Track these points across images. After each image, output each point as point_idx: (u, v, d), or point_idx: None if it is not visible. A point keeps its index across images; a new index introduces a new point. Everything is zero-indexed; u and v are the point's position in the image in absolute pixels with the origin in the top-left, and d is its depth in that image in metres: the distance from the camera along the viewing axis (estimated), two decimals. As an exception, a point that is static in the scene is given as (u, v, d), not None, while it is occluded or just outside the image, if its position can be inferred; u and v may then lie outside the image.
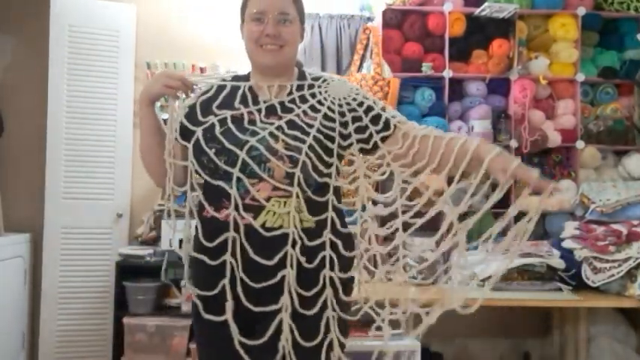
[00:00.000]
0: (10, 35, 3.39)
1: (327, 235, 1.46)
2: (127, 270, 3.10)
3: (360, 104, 1.55)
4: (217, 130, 1.47)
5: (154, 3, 3.53)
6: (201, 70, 3.47)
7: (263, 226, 1.43)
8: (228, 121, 1.49)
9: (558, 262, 2.65)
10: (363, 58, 3.10)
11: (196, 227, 1.49)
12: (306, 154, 1.45)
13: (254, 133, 1.47)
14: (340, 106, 1.53)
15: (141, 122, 1.59)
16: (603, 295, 2.61)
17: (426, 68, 3.04)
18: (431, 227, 2.99)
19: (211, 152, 1.46)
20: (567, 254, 2.71)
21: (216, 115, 1.50)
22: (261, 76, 1.57)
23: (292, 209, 1.43)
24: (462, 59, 3.12)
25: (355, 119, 1.53)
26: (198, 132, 1.49)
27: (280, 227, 1.43)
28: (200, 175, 1.50)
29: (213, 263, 1.44)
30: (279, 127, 1.48)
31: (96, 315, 3.28)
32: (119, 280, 3.08)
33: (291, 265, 1.41)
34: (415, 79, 3.05)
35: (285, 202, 1.44)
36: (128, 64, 3.42)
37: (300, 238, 1.43)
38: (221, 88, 1.56)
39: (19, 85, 3.41)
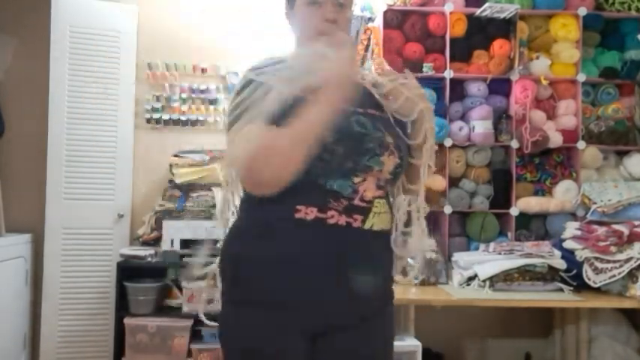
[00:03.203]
0: (11, 35, 3.39)
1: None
2: (128, 270, 3.10)
3: None
4: None
5: (155, 4, 3.52)
6: (203, 70, 3.47)
7: (371, 229, 1.29)
8: None
9: (559, 263, 2.65)
10: (364, 59, 3.10)
11: (285, 234, 1.26)
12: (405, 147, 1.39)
13: (362, 125, 1.32)
14: None
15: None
16: (604, 295, 2.61)
17: (427, 69, 3.04)
18: (431, 227, 3.02)
19: (329, 143, 1.24)
20: (568, 255, 2.71)
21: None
22: None
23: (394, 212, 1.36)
24: (462, 59, 3.12)
25: None
26: None
27: (382, 231, 1.32)
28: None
29: (322, 276, 1.25)
30: (378, 118, 1.37)
31: (97, 315, 3.29)
32: (120, 280, 3.09)
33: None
34: (416, 79, 3.05)
35: (382, 203, 1.33)
36: (129, 65, 3.41)
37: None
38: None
39: (19, 85, 3.41)
